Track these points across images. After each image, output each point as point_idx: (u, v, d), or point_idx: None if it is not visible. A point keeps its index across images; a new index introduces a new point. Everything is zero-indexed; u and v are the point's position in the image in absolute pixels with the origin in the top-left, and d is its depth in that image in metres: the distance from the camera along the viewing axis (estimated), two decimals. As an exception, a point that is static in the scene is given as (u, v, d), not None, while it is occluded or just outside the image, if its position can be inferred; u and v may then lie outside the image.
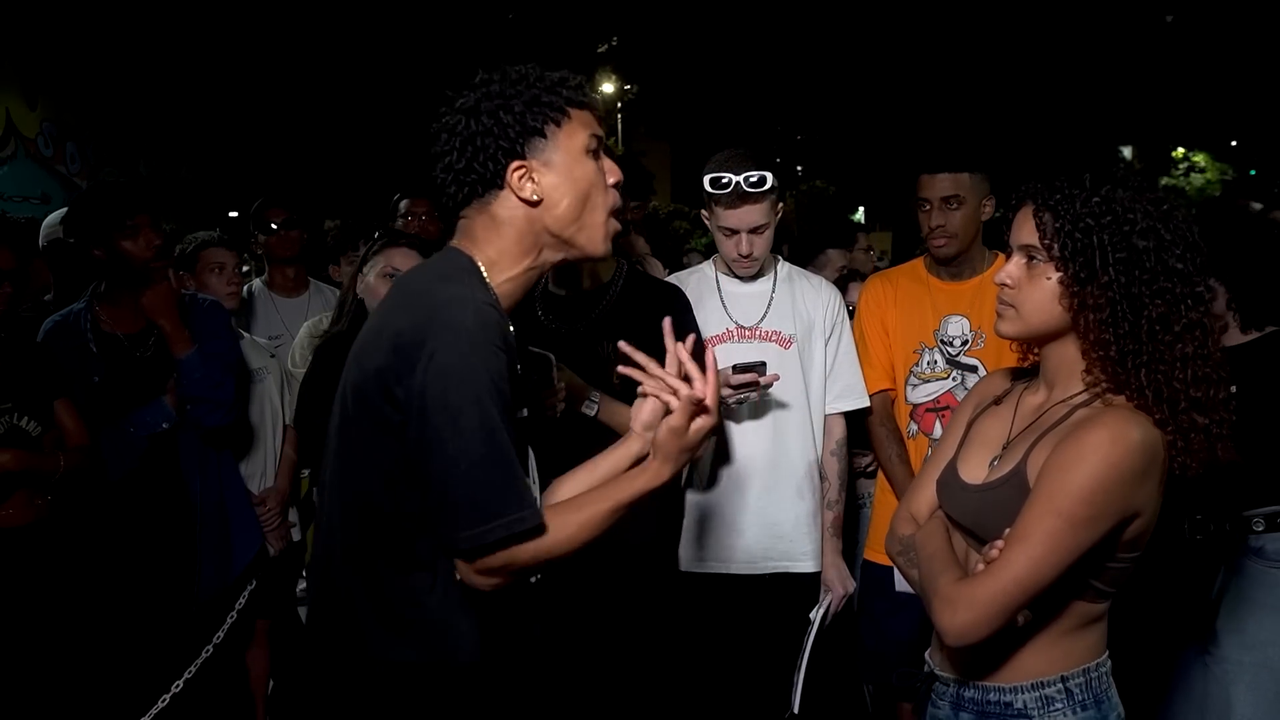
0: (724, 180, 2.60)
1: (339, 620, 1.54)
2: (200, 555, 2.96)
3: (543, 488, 1.71)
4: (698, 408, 1.51)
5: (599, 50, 21.47)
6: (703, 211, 2.76)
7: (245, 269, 4.10)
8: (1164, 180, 22.83)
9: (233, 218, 10.60)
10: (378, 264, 2.85)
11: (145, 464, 2.85)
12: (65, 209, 3.13)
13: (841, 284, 3.90)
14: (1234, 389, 2.39)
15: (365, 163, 14.02)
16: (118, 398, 2.85)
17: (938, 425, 2.82)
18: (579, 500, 1.53)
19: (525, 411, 1.67)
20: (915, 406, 2.88)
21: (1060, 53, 17.37)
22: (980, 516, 1.61)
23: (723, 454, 2.74)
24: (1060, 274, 1.53)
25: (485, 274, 1.55)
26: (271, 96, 13.87)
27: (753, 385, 2.50)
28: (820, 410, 2.79)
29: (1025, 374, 1.74)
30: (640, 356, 1.60)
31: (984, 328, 2.77)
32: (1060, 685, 1.58)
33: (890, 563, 2.73)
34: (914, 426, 2.89)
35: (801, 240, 5.49)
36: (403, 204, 4.11)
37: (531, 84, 1.54)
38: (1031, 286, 1.57)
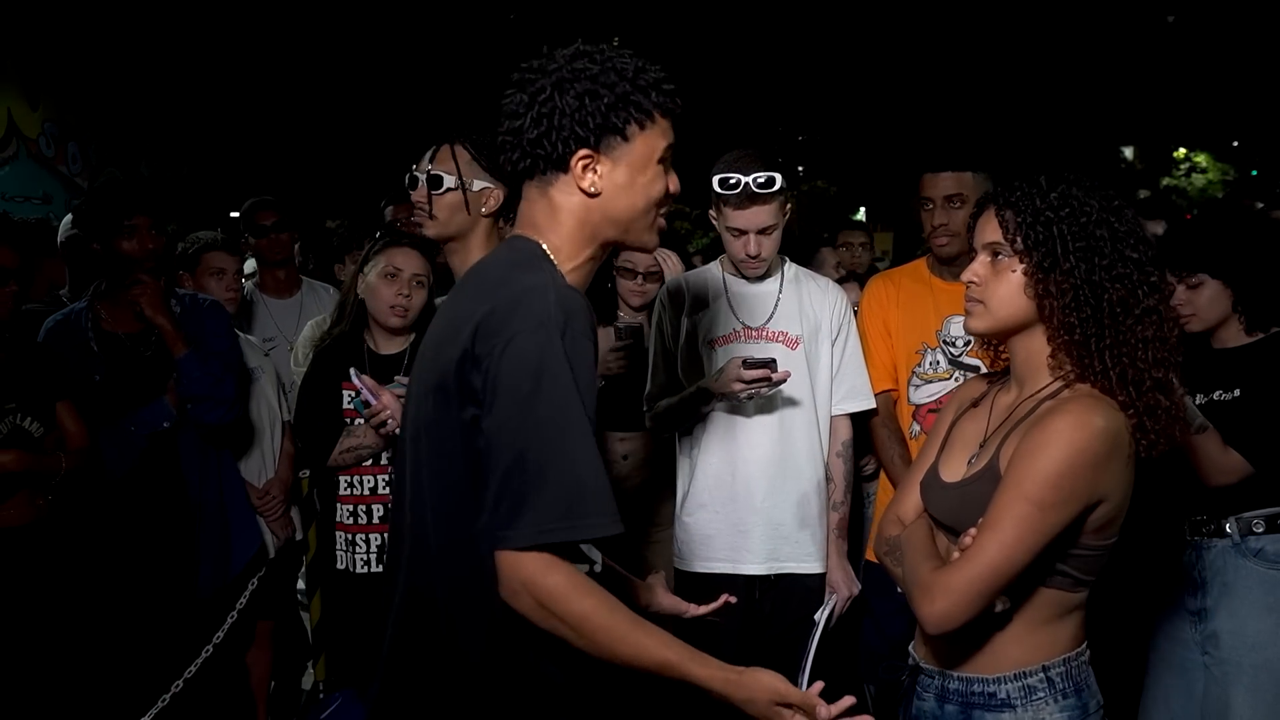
0: (732, 181, 2.60)
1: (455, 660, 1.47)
2: (199, 553, 2.96)
3: None
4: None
5: (599, 50, 21.46)
6: (710, 212, 2.77)
7: (250, 273, 4.12)
8: (1165, 180, 22.81)
9: (234, 218, 10.60)
10: (379, 264, 2.85)
11: (145, 462, 2.85)
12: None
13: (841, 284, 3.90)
14: (1238, 392, 2.40)
15: (366, 163, 14.02)
16: (118, 397, 2.86)
17: None
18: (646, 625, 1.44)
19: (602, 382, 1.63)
20: (918, 407, 2.88)
21: (1061, 53, 17.35)
22: (958, 512, 1.66)
23: (728, 454, 2.74)
24: (1024, 265, 1.61)
25: (555, 261, 1.50)
26: (273, 97, 13.87)
27: (764, 380, 2.51)
28: (826, 411, 2.79)
29: (1000, 376, 1.81)
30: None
31: (986, 327, 2.77)
32: (1042, 674, 1.63)
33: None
34: (916, 427, 2.89)
35: (800, 241, 5.48)
36: (388, 210, 4.15)
37: (629, 77, 1.45)
38: (998, 281, 1.64)
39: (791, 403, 2.74)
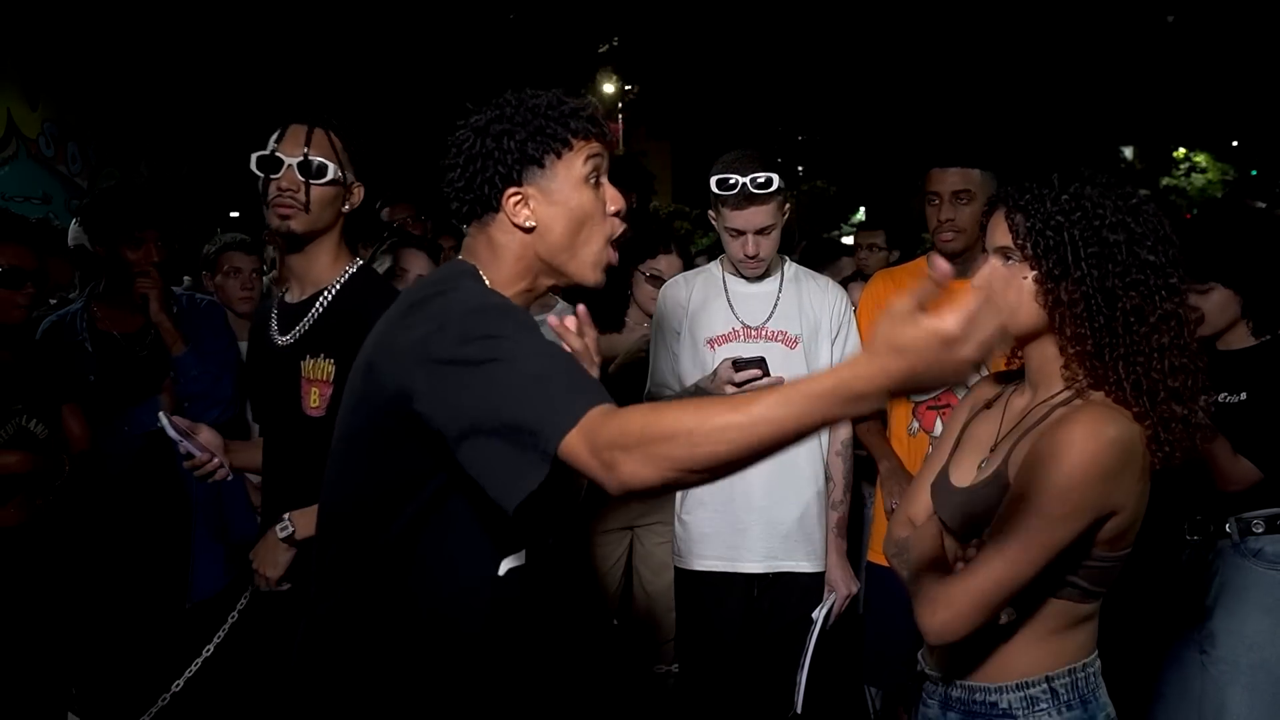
0: (731, 181, 2.60)
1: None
2: (196, 552, 2.96)
3: None
4: None
5: (599, 50, 21.46)
6: (710, 212, 2.77)
7: (268, 274, 4.18)
8: (1165, 180, 22.80)
9: (234, 217, 10.60)
10: (385, 263, 2.89)
11: (141, 462, 2.86)
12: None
13: (843, 284, 3.90)
14: (1244, 395, 2.39)
15: (440, 163, 14.01)
16: (113, 396, 2.86)
17: (939, 423, 2.82)
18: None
19: None
20: (917, 404, 2.88)
21: (1061, 53, 17.35)
22: (965, 517, 1.62)
23: None
24: (1035, 272, 1.55)
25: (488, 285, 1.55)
26: (272, 97, 13.88)
27: (755, 380, 2.51)
28: None
29: (1016, 377, 1.75)
30: None
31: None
32: (1045, 685, 1.58)
33: (893, 563, 2.75)
34: (915, 424, 2.89)
35: (813, 245, 5.49)
36: (384, 212, 4.17)
37: (541, 112, 1.53)
38: (1009, 288, 1.59)
39: None
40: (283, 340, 2.13)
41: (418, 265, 2.87)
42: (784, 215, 2.72)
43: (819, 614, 2.74)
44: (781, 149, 23.41)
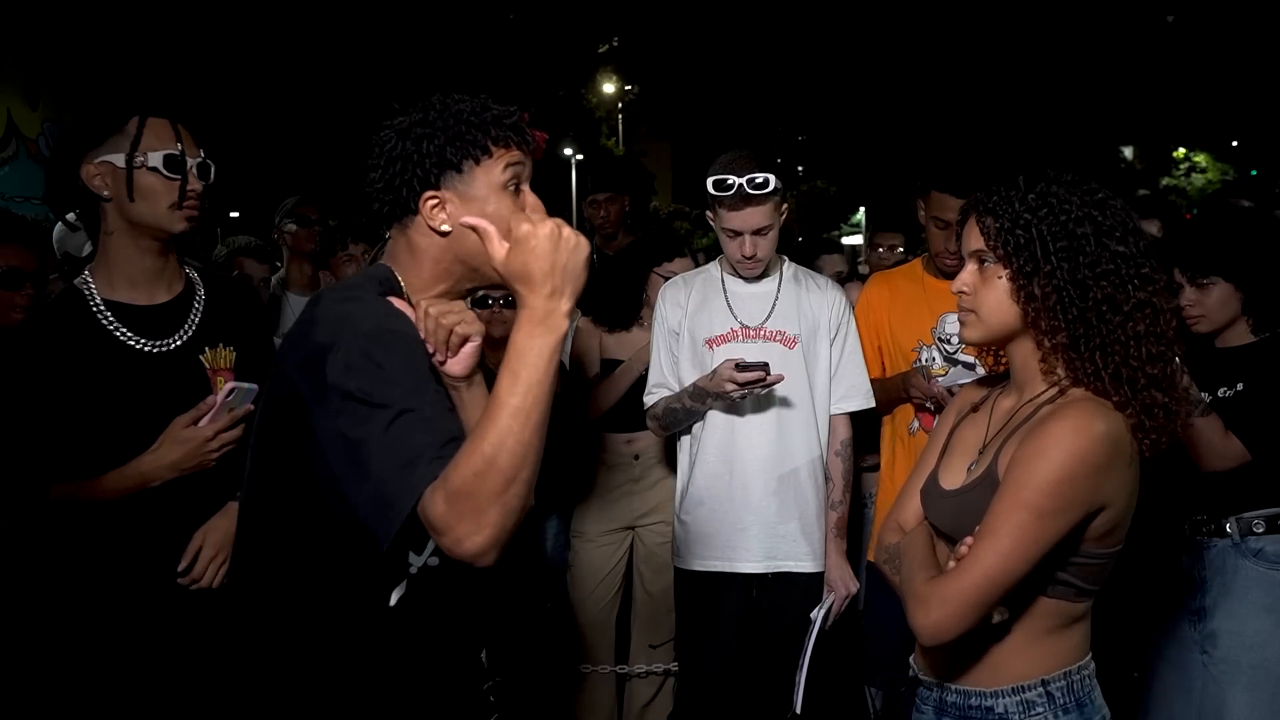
0: (727, 182, 2.60)
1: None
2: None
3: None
4: None
5: (599, 50, 21.47)
6: (708, 213, 2.77)
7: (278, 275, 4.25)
8: (1165, 180, 22.84)
9: (234, 218, 10.61)
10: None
11: None
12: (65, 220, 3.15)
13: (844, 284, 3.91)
14: (1241, 386, 2.40)
15: (364, 163, 14.01)
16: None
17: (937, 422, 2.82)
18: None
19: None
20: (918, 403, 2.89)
21: (1060, 53, 17.37)
22: (955, 520, 1.62)
23: (726, 453, 2.75)
24: (1008, 271, 1.57)
25: (404, 288, 1.57)
26: (272, 97, 13.88)
27: (758, 381, 2.52)
28: (825, 411, 2.79)
29: (1002, 380, 1.77)
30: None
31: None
32: (1041, 689, 1.57)
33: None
34: (915, 424, 2.89)
35: (801, 243, 5.48)
36: (287, 204, 4.22)
37: (463, 118, 1.54)
38: (986, 290, 1.61)
39: (789, 402, 2.74)
40: (157, 345, 2.05)
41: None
42: (781, 215, 2.72)
43: (818, 614, 2.74)
44: (781, 149, 23.42)
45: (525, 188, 1.59)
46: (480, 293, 2.99)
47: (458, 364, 1.57)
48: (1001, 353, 1.71)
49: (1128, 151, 22.85)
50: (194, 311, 2.11)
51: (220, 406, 1.99)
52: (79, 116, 2.13)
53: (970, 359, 2.81)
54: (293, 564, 1.53)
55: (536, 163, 1.63)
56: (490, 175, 1.55)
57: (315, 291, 4.03)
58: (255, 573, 1.56)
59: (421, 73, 14.32)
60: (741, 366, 2.51)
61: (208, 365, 2.08)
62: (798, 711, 2.72)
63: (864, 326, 2.98)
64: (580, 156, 21.38)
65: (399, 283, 1.57)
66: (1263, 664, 2.36)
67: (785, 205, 2.73)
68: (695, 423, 2.78)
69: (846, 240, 20.54)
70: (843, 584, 2.78)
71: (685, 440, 2.85)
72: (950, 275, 2.87)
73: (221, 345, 2.10)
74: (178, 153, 2.02)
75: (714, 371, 2.59)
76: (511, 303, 3.10)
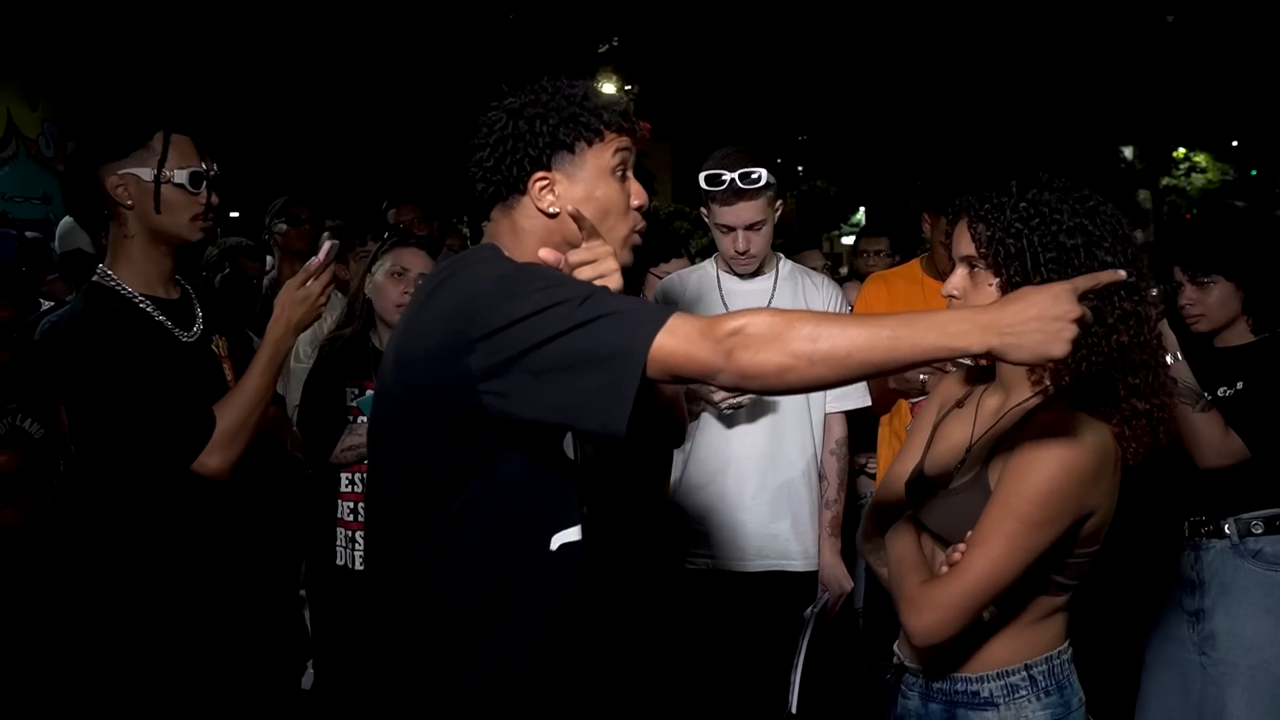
0: (720, 177, 2.61)
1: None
2: None
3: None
4: None
5: (599, 50, 21.46)
6: (702, 209, 2.77)
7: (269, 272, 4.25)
8: (1165, 180, 22.82)
9: (234, 218, 10.60)
10: (385, 263, 2.89)
11: None
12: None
13: (842, 284, 3.91)
14: (1240, 385, 2.40)
15: (365, 163, 14.02)
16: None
17: None
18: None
19: None
20: (914, 403, 2.89)
21: (1060, 53, 17.36)
22: (946, 520, 1.67)
23: (720, 452, 2.74)
24: (998, 279, 1.60)
25: None
26: (272, 97, 13.88)
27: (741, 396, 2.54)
28: (820, 409, 2.79)
29: (986, 375, 1.79)
30: None
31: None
32: (1024, 674, 1.65)
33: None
34: (912, 425, 2.90)
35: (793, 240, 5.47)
36: (390, 213, 4.22)
37: (576, 101, 1.55)
38: (976, 295, 1.63)
39: (784, 401, 2.74)
40: (188, 336, 2.16)
41: (418, 264, 2.86)
42: (775, 211, 2.72)
43: (810, 613, 2.73)
44: (781, 149, 23.41)
45: (630, 174, 1.61)
46: None
47: None
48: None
49: (1128, 151, 22.83)
50: (197, 306, 2.23)
51: (323, 264, 2.15)
52: (99, 124, 2.20)
53: (967, 359, 2.81)
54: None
55: None
56: (601, 158, 1.56)
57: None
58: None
59: (421, 73, 14.32)
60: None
61: (218, 353, 2.21)
62: (793, 711, 2.71)
63: None
64: (580, 156, 21.29)
65: (505, 255, 1.55)
66: (1261, 665, 2.36)
67: (780, 202, 2.73)
68: (690, 423, 2.78)
69: (847, 240, 20.56)
70: (836, 583, 2.77)
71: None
72: (941, 274, 2.88)
73: (218, 336, 2.23)
74: (201, 170, 2.13)
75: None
76: None
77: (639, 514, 2.86)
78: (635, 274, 3.35)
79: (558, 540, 1.54)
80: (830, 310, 2.81)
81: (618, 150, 1.57)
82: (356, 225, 4.19)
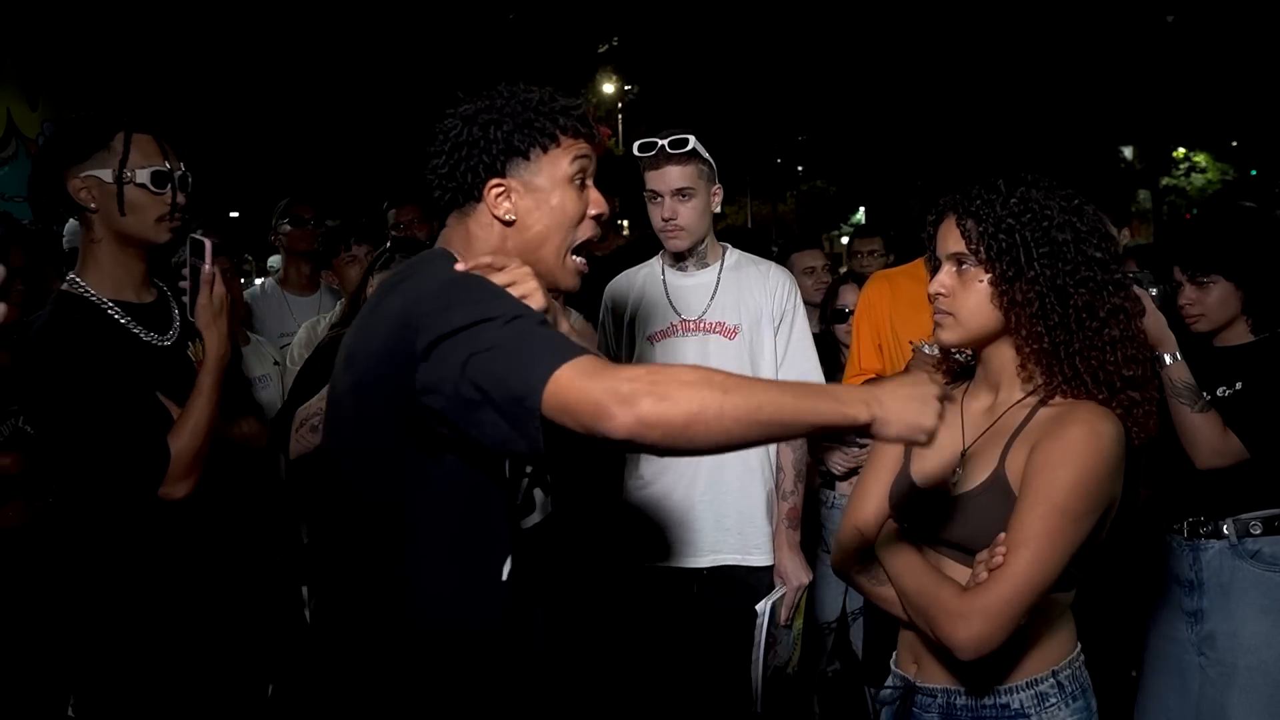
0: (651, 144, 2.66)
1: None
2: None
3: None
4: None
5: (599, 50, 21.47)
6: (644, 192, 2.73)
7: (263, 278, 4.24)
8: (1165, 180, 22.83)
9: (234, 218, 10.61)
10: (389, 269, 2.88)
11: None
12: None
13: (836, 286, 3.89)
14: (1239, 385, 2.40)
15: (364, 163, 14.03)
16: None
17: None
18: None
19: None
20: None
21: (1060, 53, 17.37)
22: (966, 527, 1.61)
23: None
24: (990, 275, 1.59)
25: None
26: (272, 98, 13.89)
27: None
28: None
29: (961, 380, 1.78)
30: None
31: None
32: (1052, 680, 1.61)
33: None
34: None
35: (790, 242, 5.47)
36: (391, 214, 4.22)
37: (532, 105, 1.53)
38: (965, 292, 1.62)
39: None
40: (162, 340, 2.13)
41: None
42: (712, 194, 2.70)
43: (764, 606, 2.66)
44: (781, 149, 23.41)
45: (589, 182, 1.58)
46: None
47: None
48: (973, 355, 1.72)
49: (1128, 151, 22.84)
50: (175, 309, 2.19)
51: (212, 267, 2.12)
52: (60, 129, 2.16)
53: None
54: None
55: None
56: (557, 166, 1.54)
57: (313, 291, 4.05)
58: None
59: (421, 73, 14.32)
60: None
61: (193, 358, 2.15)
62: (758, 710, 2.66)
63: (865, 325, 2.98)
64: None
65: (456, 261, 1.54)
66: (1259, 666, 2.36)
67: (718, 188, 2.72)
68: None
69: (847, 240, 20.54)
70: (795, 575, 2.70)
71: None
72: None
73: (195, 340, 2.17)
74: (165, 169, 2.07)
75: None
76: None
77: (595, 513, 2.83)
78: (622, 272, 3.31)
79: (506, 567, 1.51)
80: (778, 296, 2.77)
81: (576, 157, 1.55)
82: (344, 228, 4.20)
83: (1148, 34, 17.90)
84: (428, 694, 1.48)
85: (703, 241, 2.74)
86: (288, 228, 4.12)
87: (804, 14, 17.57)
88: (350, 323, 2.94)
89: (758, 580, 2.72)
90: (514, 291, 1.48)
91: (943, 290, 1.64)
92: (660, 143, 2.65)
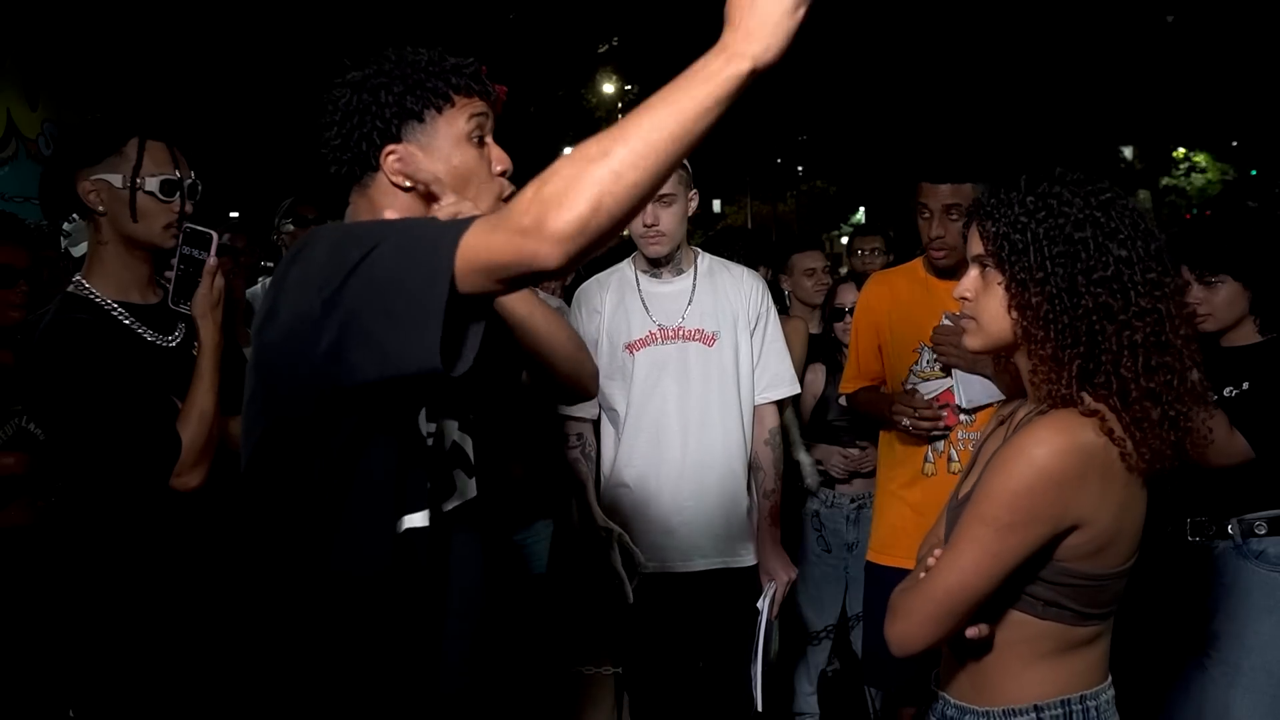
0: None
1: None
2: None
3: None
4: None
5: (599, 50, 21.47)
6: None
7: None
8: (1165, 180, 22.81)
9: (234, 218, 10.61)
10: None
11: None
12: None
13: (835, 286, 3.90)
14: (1246, 385, 2.40)
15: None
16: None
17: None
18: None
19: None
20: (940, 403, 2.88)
21: (1060, 53, 17.36)
22: (948, 534, 1.59)
23: (650, 453, 2.71)
24: (1004, 278, 1.51)
25: None
26: (271, 98, 13.88)
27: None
28: (750, 403, 2.77)
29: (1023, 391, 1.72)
30: None
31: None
32: (1033, 714, 1.51)
33: (894, 564, 2.74)
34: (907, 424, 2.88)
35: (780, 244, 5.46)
36: (285, 204, 4.20)
37: (420, 67, 1.48)
38: (987, 296, 1.55)
39: (713, 400, 2.70)
40: (168, 341, 2.14)
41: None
42: (689, 198, 2.70)
43: (762, 604, 2.67)
44: (781, 149, 23.41)
45: (490, 140, 1.53)
46: None
47: None
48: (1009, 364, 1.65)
49: (1128, 151, 22.82)
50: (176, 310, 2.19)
51: (216, 263, 2.12)
52: (74, 129, 2.17)
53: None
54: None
55: (534, 159, 1.60)
56: (454, 125, 1.49)
57: None
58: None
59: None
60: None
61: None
62: (759, 709, 2.67)
63: (863, 326, 2.98)
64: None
65: None
66: (1263, 666, 2.36)
67: (694, 193, 2.72)
68: (617, 427, 2.77)
69: (847, 240, 20.55)
70: (781, 570, 2.73)
71: (608, 442, 2.80)
72: (944, 272, 2.87)
73: (199, 341, 2.16)
74: (175, 177, 2.09)
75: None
76: None
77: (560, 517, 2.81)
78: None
79: (405, 524, 1.45)
80: (752, 299, 2.77)
81: (472, 115, 1.49)
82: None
83: (1148, 34, 17.89)
84: (323, 634, 1.45)
85: (679, 247, 2.75)
86: (291, 227, 4.12)
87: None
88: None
89: (745, 581, 2.73)
90: (452, 209, 1.43)
91: (967, 294, 1.58)
92: None
